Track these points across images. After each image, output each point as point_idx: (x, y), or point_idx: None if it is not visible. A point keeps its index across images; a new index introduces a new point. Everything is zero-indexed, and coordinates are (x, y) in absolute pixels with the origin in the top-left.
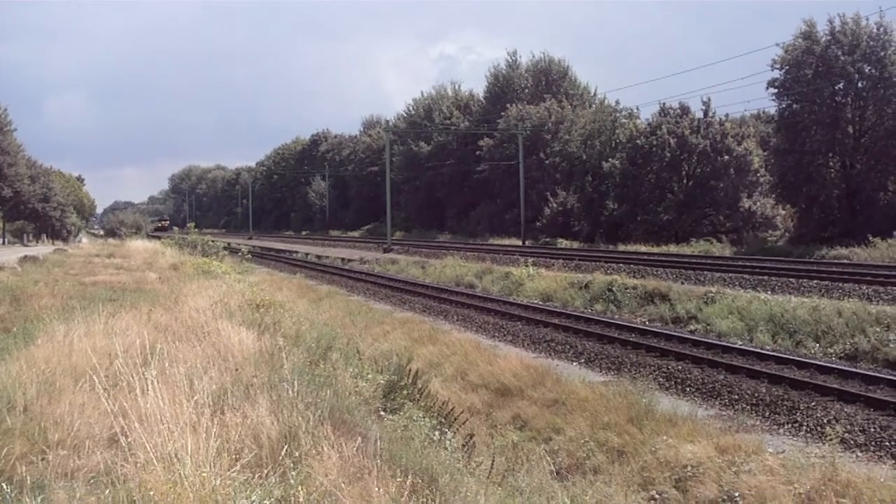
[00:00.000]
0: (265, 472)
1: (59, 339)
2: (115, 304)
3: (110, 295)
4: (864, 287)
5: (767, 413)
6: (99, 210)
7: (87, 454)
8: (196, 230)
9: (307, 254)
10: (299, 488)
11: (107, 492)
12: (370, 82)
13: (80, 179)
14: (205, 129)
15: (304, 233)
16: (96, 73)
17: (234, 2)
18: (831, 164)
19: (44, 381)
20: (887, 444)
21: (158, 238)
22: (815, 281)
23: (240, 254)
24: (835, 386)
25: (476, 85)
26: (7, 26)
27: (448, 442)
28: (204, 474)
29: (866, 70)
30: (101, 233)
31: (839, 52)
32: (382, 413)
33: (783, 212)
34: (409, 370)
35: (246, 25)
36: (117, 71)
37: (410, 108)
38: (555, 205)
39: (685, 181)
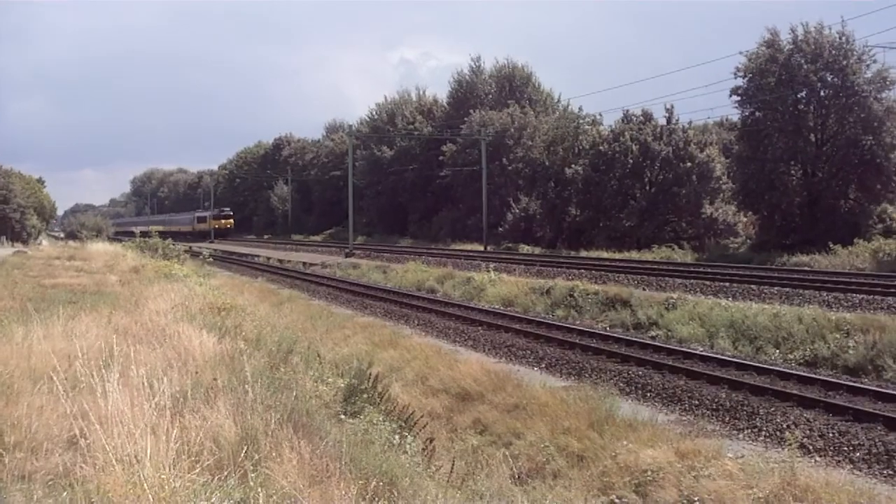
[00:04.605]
0: (225, 474)
1: (17, 341)
2: (74, 306)
3: (70, 297)
4: (825, 294)
5: (727, 418)
6: (59, 212)
7: (46, 456)
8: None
9: (269, 258)
10: (259, 490)
11: (65, 494)
12: (332, 87)
13: (40, 181)
14: (165, 132)
15: (266, 237)
16: (56, 75)
17: (193, 5)
18: (793, 171)
19: (1, 384)
20: (846, 449)
21: (120, 241)
22: (776, 288)
23: (201, 257)
24: (794, 392)
25: (437, 90)
26: None
27: (408, 446)
28: (164, 476)
29: (828, 79)
30: (62, 235)
31: (802, 61)
32: (343, 417)
33: (745, 219)
34: (370, 374)
35: (206, 29)
36: (77, 73)
37: (374, 113)
38: (517, 210)
39: (648, 188)
